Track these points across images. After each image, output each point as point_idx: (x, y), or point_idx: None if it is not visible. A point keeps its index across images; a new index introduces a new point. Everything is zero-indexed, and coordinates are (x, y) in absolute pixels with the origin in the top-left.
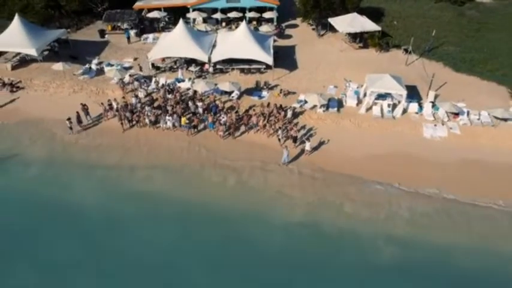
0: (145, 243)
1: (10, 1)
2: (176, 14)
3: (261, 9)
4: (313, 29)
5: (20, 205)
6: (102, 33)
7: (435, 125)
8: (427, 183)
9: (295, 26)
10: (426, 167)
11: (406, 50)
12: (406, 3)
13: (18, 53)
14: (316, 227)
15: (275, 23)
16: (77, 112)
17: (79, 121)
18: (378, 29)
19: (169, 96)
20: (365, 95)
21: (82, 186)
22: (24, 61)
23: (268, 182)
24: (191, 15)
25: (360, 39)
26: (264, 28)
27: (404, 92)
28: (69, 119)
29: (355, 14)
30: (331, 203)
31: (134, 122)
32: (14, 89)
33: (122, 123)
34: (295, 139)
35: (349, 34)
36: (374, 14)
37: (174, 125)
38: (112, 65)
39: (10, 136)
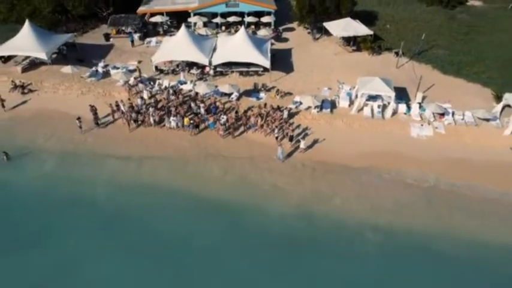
0: (156, 226)
1: (18, 6)
2: (178, 18)
3: (259, 14)
4: (309, 33)
5: (39, 193)
6: (107, 36)
7: (422, 125)
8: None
9: (291, 29)
10: (411, 163)
11: (397, 53)
12: (399, 7)
13: (28, 56)
14: (305, 208)
15: (273, 27)
16: (94, 110)
17: (96, 117)
18: (370, 33)
19: (173, 97)
20: (356, 96)
21: (92, 179)
22: (33, 64)
23: (263, 174)
24: (192, 19)
25: (354, 42)
26: (262, 32)
27: (392, 94)
28: (79, 118)
29: (348, 19)
30: (321, 191)
31: (140, 122)
32: (25, 91)
33: (128, 123)
34: (291, 138)
35: (343, 38)
36: (368, 18)
37: (177, 125)
38: (117, 68)
39: (25, 134)
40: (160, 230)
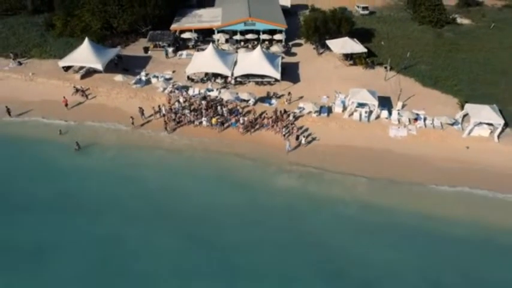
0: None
1: (72, 22)
2: (204, 34)
3: (272, 32)
4: (314, 48)
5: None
6: (146, 49)
7: (398, 128)
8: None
9: (299, 45)
10: (385, 156)
11: (386, 68)
12: (395, 24)
13: (84, 66)
14: (302, 179)
15: (283, 43)
16: (141, 111)
17: (143, 116)
18: (365, 51)
19: (203, 102)
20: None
21: (144, 163)
22: (88, 72)
23: (274, 159)
24: (216, 36)
25: (351, 58)
26: (274, 48)
27: (376, 103)
28: (131, 117)
29: (347, 38)
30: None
31: (177, 121)
32: (85, 94)
33: (168, 122)
34: (297, 137)
35: (342, 53)
36: (366, 35)
37: (207, 124)
38: (157, 77)
39: (88, 128)
40: (201, 193)
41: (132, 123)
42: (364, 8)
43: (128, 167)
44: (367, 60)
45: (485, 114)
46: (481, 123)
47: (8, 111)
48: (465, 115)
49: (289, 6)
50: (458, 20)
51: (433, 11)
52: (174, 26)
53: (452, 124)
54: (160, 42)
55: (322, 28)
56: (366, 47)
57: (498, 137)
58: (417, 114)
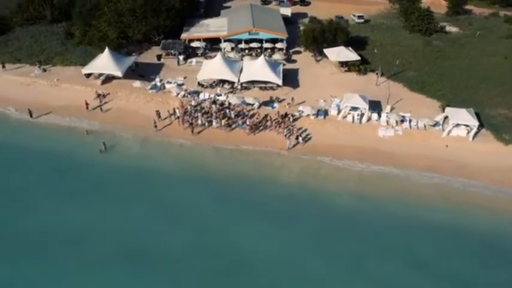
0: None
1: (90, 32)
2: (211, 43)
3: (274, 40)
4: (312, 56)
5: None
6: (159, 57)
7: (386, 129)
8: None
9: (299, 52)
10: (373, 153)
11: (377, 74)
12: (387, 32)
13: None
14: (300, 173)
15: (284, 51)
16: (158, 114)
17: (160, 118)
18: (358, 59)
19: (213, 105)
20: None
21: (163, 157)
22: (108, 78)
23: (276, 156)
24: (223, 45)
25: (346, 65)
26: (276, 56)
27: (366, 107)
28: (155, 120)
29: (342, 47)
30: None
31: (190, 123)
32: (106, 99)
33: (182, 123)
34: (297, 137)
35: (338, 61)
36: (360, 43)
37: (217, 125)
38: (170, 82)
39: (112, 128)
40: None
41: (155, 126)
42: (360, 17)
43: (149, 160)
44: (360, 67)
45: (462, 116)
46: (458, 124)
47: (30, 113)
48: (446, 117)
49: (289, 15)
50: (447, 28)
51: (422, 20)
52: (184, 36)
53: (434, 125)
54: (172, 51)
55: (320, 38)
56: (360, 55)
57: (474, 136)
58: (403, 117)
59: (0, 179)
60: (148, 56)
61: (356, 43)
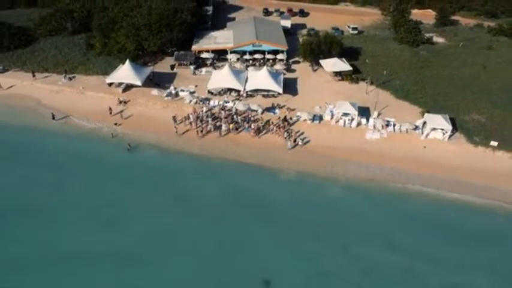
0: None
1: (110, 44)
2: (219, 54)
3: (275, 52)
4: (310, 66)
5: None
6: (172, 67)
7: (373, 132)
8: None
9: (297, 62)
10: (360, 153)
11: (367, 83)
12: (378, 44)
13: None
14: (299, 172)
15: (285, 61)
16: (174, 119)
17: (175, 123)
18: (350, 69)
19: (222, 111)
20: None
21: (180, 157)
22: (128, 86)
23: (278, 155)
24: (229, 56)
25: (339, 74)
26: (277, 66)
27: (356, 113)
28: (175, 126)
29: (336, 59)
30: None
31: (202, 128)
32: (126, 104)
33: (195, 126)
34: (295, 139)
35: (333, 71)
36: (353, 53)
37: (226, 129)
38: (183, 90)
39: (134, 131)
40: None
41: (176, 131)
42: (354, 29)
43: (168, 160)
44: (352, 76)
45: (438, 121)
46: (435, 128)
47: (53, 116)
48: (424, 122)
49: (289, 26)
50: (434, 39)
51: (410, 32)
52: (194, 47)
53: (415, 129)
54: (184, 61)
55: (317, 50)
56: (352, 65)
57: (448, 138)
58: (388, 121)
59: (58, 168)
60: (162, 66)
61: (350, 53)
